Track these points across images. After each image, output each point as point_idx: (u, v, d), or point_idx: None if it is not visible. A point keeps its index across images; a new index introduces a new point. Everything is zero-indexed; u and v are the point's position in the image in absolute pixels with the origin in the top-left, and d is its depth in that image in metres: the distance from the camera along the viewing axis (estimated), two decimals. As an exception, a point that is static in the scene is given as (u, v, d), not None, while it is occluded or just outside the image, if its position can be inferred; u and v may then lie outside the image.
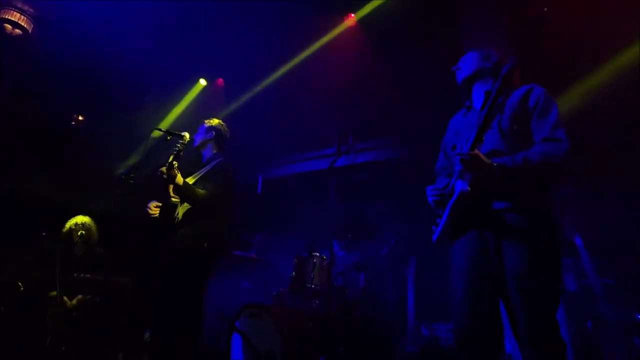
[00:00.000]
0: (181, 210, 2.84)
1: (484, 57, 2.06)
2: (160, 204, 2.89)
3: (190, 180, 2.90)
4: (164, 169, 2.62)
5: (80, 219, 4.13)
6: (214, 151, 3.12)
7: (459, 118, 2.13)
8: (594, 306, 3.02)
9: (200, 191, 2.75)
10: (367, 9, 4.81)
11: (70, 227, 4.06)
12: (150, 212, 2.85)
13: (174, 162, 2.62)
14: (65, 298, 3.61)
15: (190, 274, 2.70)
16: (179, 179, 2.65)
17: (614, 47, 3.81)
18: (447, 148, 2.11)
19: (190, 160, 2.87)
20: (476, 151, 1.67)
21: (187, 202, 2.79)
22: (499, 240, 1.69)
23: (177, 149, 2.66)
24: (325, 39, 4.99)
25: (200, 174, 2.95)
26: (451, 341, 3.43)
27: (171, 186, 2.72)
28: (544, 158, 1.65)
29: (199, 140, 3.11)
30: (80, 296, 3.69)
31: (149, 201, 2.88)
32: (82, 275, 3.72)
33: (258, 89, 5.53)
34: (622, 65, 3.72)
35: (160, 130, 2.97)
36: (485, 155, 1.70)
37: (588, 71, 3.92)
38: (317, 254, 3.96)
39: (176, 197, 2.86)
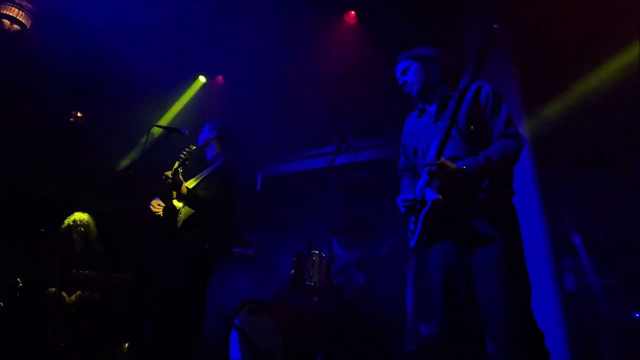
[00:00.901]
0: (184, 211, 2.85)
1: (425, 65, 2.06)
2: (163, 204, 2.90)
3: (194, 182, 2.93)
4: (169, 173, 2.64)
5: (79, 215, 4.13)
6: (218, 150, 3.17)
7: (413, 120, 2.16)
8: (593, 305, 3.04)
9: (202, 193, 2.77)
10: (367, 6, 4.80)
11: (68, 224, 4.05)
12: (154, 209, 2.84)
13: (179, 169, 2.65)
14: (64, 294, 3.61)
15: (191, 274, 2.71)
16: (183, 188, 2.66)
17: (614, 46, 3.81)
18: (407, 150, 2.16)
19: (193, 160, 2.89)
20: (442, 160, 1.70)
21: (190, 207, 2.81)
22: (470, 243, 1.73)
23: (183, 156, 2.68)
24: (325, 36, 4.97)
25: (203, 175, 2.98)
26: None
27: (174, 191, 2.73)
28: (502, 155, 1.71)
29: (202, 139, 3.17)
30: (79, 292, 3.69)
31: (153, 198, 2.89)
32: (81, 271, 3.72)
33: (258, 86, 5.51)
34: (623, 65, 3.72)
35: (159, 126, 3.00)
36: (447, 159, 1.74)
37: (588, 71, 3.93)
38: (317, 252, 3.96)
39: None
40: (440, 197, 1.72)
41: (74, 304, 3.63)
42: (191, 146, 2.76)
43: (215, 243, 2.79)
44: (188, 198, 2.70)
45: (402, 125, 2.30)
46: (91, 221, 4.16)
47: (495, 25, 1.66)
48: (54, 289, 3.60)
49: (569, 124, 3.71)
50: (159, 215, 2.85)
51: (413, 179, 2.11)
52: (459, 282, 1.74)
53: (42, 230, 3.89)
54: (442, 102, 1.97)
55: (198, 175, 3.01)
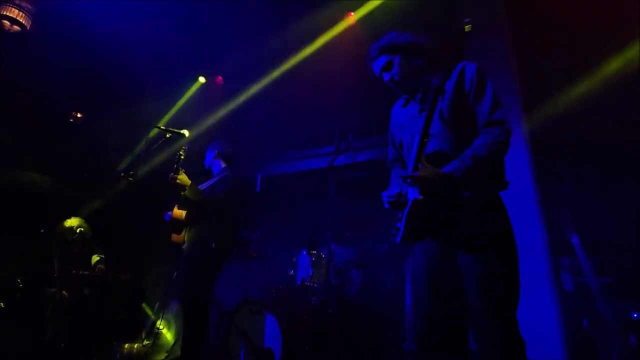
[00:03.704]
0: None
1: (408, 55, 1.92)
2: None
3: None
4: (174, 174, 2.82)
5: (71, 222, 4.17)
6: (222, 166, 3.40)
7: (399, 109, 2.03)
8: (590, 304, 3.03)
9: (199, 191, 2.95)
10: (366, 7, 4.81)
11: (65, 229, 4.09)
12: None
13: (181, 169, 2.85)
14: (64, 292, 3.65)
15: (196, 277, 2.85)
16: (185, 179, 2.83)
17: (615, 45, 3.81)
18: (394, 141, 2.03)
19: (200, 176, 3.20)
20: (420, 172, 1.61)
21: (192, 201, 2.94)
22: (455, 243, 1.65)
23: (179, 155, 2.92)
24: (325, 37, 4.98)
25: (208, 185, 3.23)
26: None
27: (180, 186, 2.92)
28: (491, 148, 1.60)
29: (207, 164, 3.46)
30: (80, 290, 3.75)
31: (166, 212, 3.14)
32: (80, 271, 3.78)
33: (257, 86, 5.52)
34: (623, 64, 3.72)
35: (159, 127, 3.06)
36: (432, 154, 1.66)
37: (589, 69, 3.92)
38: (316, 252, 3.98)
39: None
40: (422, 197, 1.63)
41: (74, 303, 3.68)
42: (183, 147, 2.98)
43: (221, 244, 2.92)
44: (190, 191, 2.86)
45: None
46: (86, 225, 4.22)
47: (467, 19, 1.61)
48: (54, 289, 3.63)
49: (568, 122, 3.71)
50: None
51: (403, 170, 1.99)
52: (442, 280, 1.65)
53: (42, 231, 3.93)
54: (425, 91, 1.86)
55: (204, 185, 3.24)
